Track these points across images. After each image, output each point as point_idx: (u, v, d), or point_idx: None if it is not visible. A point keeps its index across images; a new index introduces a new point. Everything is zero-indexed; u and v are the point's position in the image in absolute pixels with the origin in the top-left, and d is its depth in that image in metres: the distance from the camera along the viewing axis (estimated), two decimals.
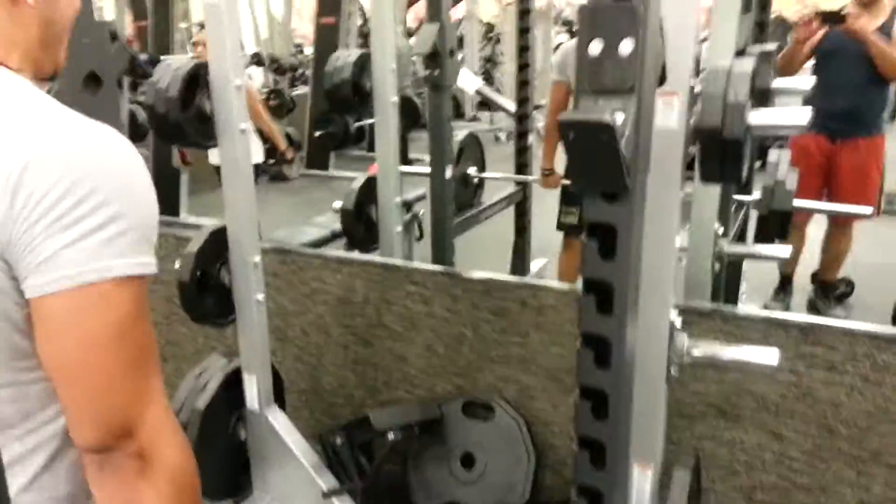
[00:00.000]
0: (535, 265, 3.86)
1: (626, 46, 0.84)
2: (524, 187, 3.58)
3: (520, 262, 3.66)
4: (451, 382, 2.13)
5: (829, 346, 1.63)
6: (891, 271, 3.78)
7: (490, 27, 10.55)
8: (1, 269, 0.65)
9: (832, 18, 2.96)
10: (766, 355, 1.23)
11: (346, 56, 2.36)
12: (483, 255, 3.53)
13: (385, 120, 2.39)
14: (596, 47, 0.86)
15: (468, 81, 6.61)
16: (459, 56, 2.90)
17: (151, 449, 0.70)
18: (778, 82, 1.56)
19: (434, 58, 2.62)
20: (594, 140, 0.81)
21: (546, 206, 3.82)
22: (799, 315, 1.91)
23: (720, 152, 1.08)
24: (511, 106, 4.43)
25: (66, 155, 0.65)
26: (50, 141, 0.65)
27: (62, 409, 0.69)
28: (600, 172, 0.84)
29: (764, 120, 1.12)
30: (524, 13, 3.44)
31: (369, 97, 2.40)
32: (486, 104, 8.55)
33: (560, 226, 3.16)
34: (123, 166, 0.68)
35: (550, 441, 2.04)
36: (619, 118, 0.81)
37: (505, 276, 2.02)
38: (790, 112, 1.17)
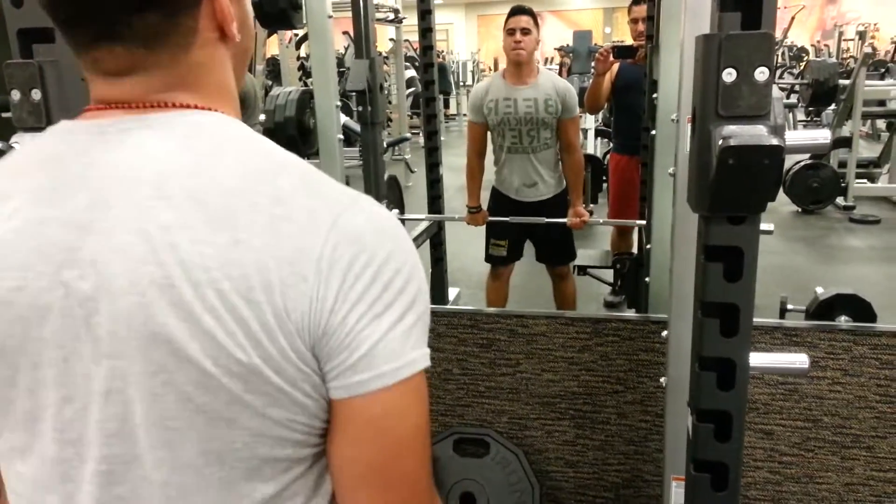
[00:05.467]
0: (451, 293, 3.89)
1: (761, 74, 0.88)
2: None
3: (438, 291, 3.67)
4: (436, 422, 2.07)
5: (812, 345, 1.76)
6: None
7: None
8: (310, 366, 0.54)
9: (625, 52, 3.26)
10: (798, 361, 1.31)
11: (286, 94, 2.25)
12: None
13: (330, 156, 2.31)
14: (729, 76, 0.88)
15: None
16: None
17: None
18: None
19: (365, 94, 2.59)
20: (757, 163, 0.83)
21: (458, 238, 3.87)
22: (781, 320, 2.05)
23: None
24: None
25: (369, 233, 0.56)
26: (349, 217, 0.56)
27: None
28: (756, 194, 0.86)
29: None
30: (427, 49, 3.48)
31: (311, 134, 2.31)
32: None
33: (489, 258, 3.20)
34: (409, 242, 0.60)
35: (545, 468, 2.04)
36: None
37: (492, 309, 2.00)
38: None
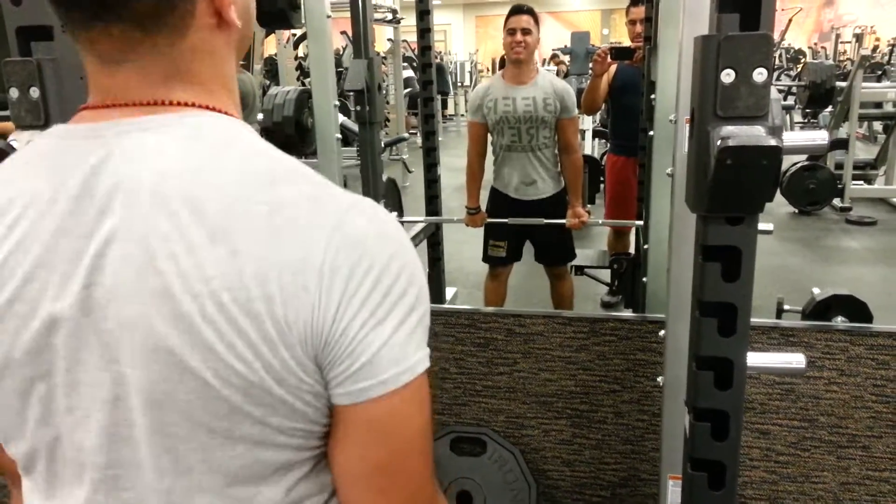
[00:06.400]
0: (448, 292, 3.89)
1: (759, 75, 0.88)
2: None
3: (436, 290, 3.67)
4: (433, 421, 2.07)
5: (808, 345, 1.77)
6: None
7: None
8: (312, 376, 0.54)
9: (622, 54, 3.26)
10: (794, 361, 1.32)
11: (284, 93, 2.25)
12: None
13: (328, 156, 2.30)
14: (728, 76, 0.88)
15: None
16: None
17: None
18: None
19: (363, 94, 2.59)
20: (755, 163, 0.83)
21: (455, 238, 3.87)
22: (778, 320, 2.06)
23: None
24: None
25: (371, 236, 0.56)
26: (350, 221, 0.55)
27: None
28: (755, 194, 0.86)
29: None
30: (425, 49, 3.48)
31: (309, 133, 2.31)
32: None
33: (487, 258, 3.21)
34: (410, 245, 0.59)
35: (542, 467, 2.04)
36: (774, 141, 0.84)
37: (489, 308, 2.00)
38: None
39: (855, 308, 2.75)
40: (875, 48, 11.88)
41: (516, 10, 2.95)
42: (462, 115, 12.02)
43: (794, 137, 1.31)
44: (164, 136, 0.55)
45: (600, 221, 3.65)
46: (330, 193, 0.57)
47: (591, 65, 4.04)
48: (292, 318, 0.52)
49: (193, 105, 0.58)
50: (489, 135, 3.08)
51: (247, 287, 0.51)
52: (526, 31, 2.90)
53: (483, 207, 3.18)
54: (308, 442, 0.58)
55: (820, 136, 1.29)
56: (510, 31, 2.92)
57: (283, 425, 0.56)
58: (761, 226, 1.12)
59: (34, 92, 1.08)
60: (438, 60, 10.69)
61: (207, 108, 0.58)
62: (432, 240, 3.66)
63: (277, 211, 0.53)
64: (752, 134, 0.84)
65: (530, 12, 2.96)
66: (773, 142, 0.81)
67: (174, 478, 0.56)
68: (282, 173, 0.57)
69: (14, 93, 1.09)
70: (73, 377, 0.55)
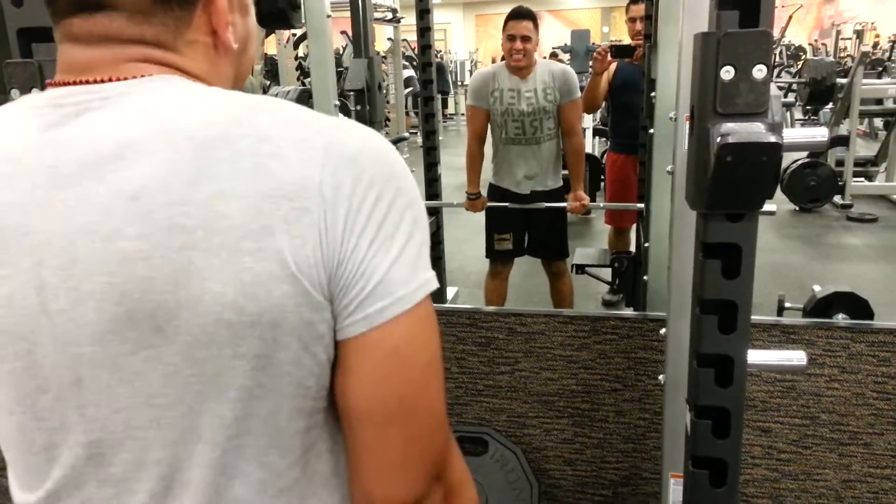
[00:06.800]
0: (449, 292, 3.89)
1: (759, 72, 0.88)
2: (437, 217, 3.60)
3: (437, 290, 3.67)
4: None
5: (809, 342, 1.77)
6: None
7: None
8: (317, 312, 0.52)
9: (622, 52, 3.26)
10: (795, 358, 1.32)
11: (284, 93, 2.25)
12: None
13: None
14: (727, 73, 0.88)
15: None
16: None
17: (456, 490, 0.60)
18: None
19: (364, 93, 2.59)
20: (755, 160, 0.83)
21: (456, 237, 3.87)
22: (779, 318, 2.06)
23: None
24: None
25: (366, 151, 0.54)
26: (341, 139, 0.54)
27: (367, 471, 0.56)
28: (754, 191, 0.86)
29: None
30: (425, 48, 3.48)
31: None
32: None
33: (492, 252, 3.20)
34: (403, 162, 0.58)
35: (543, 466, 2.04)
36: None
37: (490, 308, 2.00)
38: None
39: (856, 305, 2.75)
40: (876, 45, 11.87)
41: (516, 15, 2.92)
42: (462, 115, 12.02)
43: (794, 134, 1.31)
44: (125, 101, 0.53)
45: (602, 205, 3.67)
46: (313, 117, 0.56)
47: (591, 63, 4.04)
48: (297, 246, 0.50)
49: (156, 74, 0.55)
50: (489, 127, 3.08)
51: (236, 227, 0.49)
52: (525, 39, 2.88)
53: None
54: (308, 393, 0.56)
55: (820, 133, 1.29)
56: (510, 38, 2.90)
57: (275, 382, 0.53)
58: (764, 207, 1.12)
59: (35, 93, 1.09)
60: (438, 59, 10.70)
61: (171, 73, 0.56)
62: (433, 238, 3.67)
63: (262, 141, 0.51)
64: (752, 131, 0.84)
65: (530, 16, 2.93)
66: (772, 138, 0.82)
67: (161, 449, 0.55)
68: (257, 106, 0.55)
69: (15, 94, 1.10)
70: (34, 359, 0.54)
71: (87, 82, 0.54)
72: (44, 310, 0.52)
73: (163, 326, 0.50)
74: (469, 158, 3.12)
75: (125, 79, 0.54)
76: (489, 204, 3.13)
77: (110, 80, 0.54)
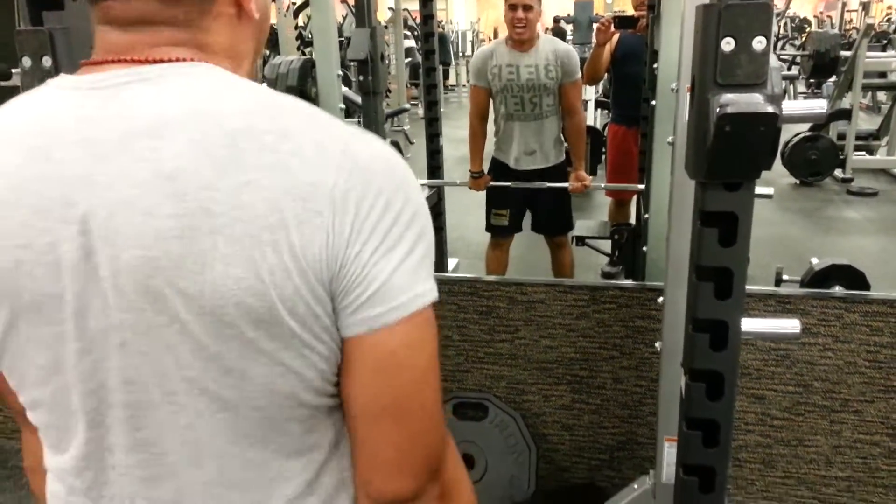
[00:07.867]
0: (450, 263, 3.92)
1: (759, 44, 0.90)
2: (438, 189, 3.61)
3: (437, 260, 3.69)
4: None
5: (804, 312, 1.80)
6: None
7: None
8: (323, 306, 0.55)
9: (625, 23, 3.24)
10: (790, 326, 1.35)
11: (287, 63, 2.26)
12: None
13: None
14: (728, 45, 0.90)
15: None
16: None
17: (452, 487, 0.64)
18: None
19: (366, 63, 2.59)
20: (753, 130, 0.85)
21: (457, 209, 3.89)
22: (775, 288, 2.08)
23: None
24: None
25: (378, 161, 0.57)
26: (357, 147, 0.57)
27: (365, 464, 0.60)
28: (752, 160, 0.89)
29: None
30: (427, 18, 3.46)
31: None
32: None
33: (490, 227, 3.23)
34: (414, 178, 0.61)
35: (542, 431, 2.09)
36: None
37: (491, 277, 2.03)
38: None
39: (853, 278, 2.79)
40: (888, 18, 11.73)
41: None
42: (464, 86, 11.94)
43: (793, 106, 1.32)
44: (162, 83, 0.56)
45: (602, 185, 3.69)
46: (332, 122, 0.58)
47: (594, 34, 4.02)
48: (307, 244, 0.53)
49: (192, 61, 0.58)
50: (491, 101, 3.08)
51: (257, 217, 0.52)
52: (527, 8, 2.87)
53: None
54: (323, 386, 0.60)
55: (818, 105, 1.31)
56: (511, 7, 2.89)
57: (295, 363, 0.57)
58: (761, 189, 1.14)
59: (46, 61, 1.10)
60: (440, 30, 10.60)
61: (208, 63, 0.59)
62: (434, 210, 3.68)
63: (285, 139, 0.54)
64: (751, 101, 0.86)
65: None
66: (770, 109, 0.84)
67: (189, 416, 0.58)
68: (283, 105, 0.58)
69: (27, 62, 1.11)
70: (80, 322, 0.57)
71: (126, 61, 0.57)
72: (94, 275, 0.55)
73: (190, 304, 0.54)
74: (471, 137, 3.13)
75: (161, 61, 0.57)
76: (492, 183, 3.15)
77: (147, 61, 0.57)
